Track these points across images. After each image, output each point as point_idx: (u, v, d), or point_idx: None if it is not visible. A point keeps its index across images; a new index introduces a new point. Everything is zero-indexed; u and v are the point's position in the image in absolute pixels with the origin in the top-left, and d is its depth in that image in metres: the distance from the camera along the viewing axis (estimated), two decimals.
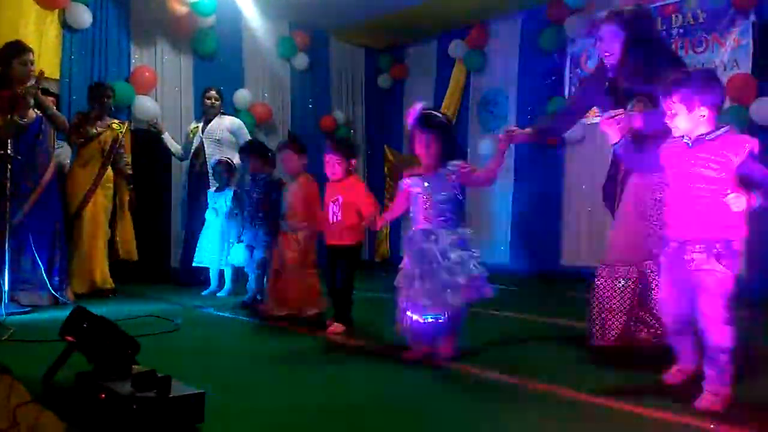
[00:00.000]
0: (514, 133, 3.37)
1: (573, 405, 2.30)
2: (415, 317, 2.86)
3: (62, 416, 1.84)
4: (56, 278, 4.47)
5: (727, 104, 5.70)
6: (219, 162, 5.41)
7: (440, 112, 3.11)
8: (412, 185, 3.03)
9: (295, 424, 2.08)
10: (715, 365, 2.21)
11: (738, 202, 2.14)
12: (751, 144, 2.21)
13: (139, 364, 2.12)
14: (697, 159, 2.27)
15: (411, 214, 3.07)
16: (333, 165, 3.69)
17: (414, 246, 2.93)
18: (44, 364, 2.34)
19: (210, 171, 5.64)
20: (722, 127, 2.28)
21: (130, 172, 5.24)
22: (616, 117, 2.71)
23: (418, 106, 2.97)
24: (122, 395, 1.85)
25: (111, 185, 5.11)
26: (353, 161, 3.77)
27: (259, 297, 4.51)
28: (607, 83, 3.28)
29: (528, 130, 3.53)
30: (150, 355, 2.33)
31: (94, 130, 5.01)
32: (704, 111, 2.25)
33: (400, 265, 3.01)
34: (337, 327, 3.65)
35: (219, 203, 5.30)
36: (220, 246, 5.25)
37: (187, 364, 2.84)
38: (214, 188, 5.44)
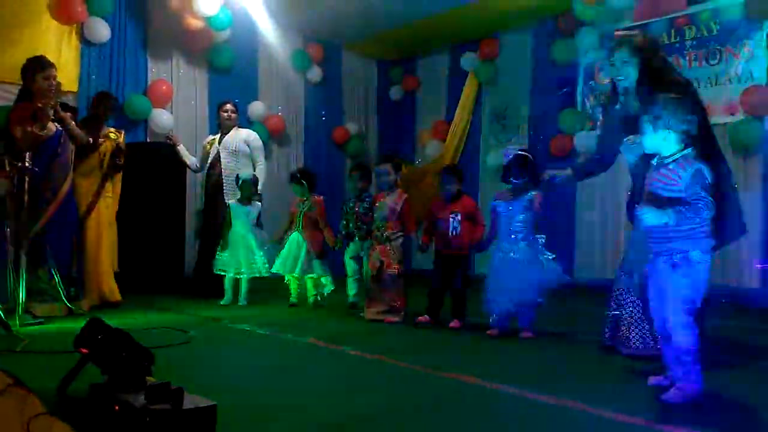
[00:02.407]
0: (554, 175, 3.69)
1: (591, 419, 2.29)
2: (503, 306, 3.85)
3: (76, 428, 1.86)
4: (71, 289, 4.51)
5: (740, 116, 5.70)
6: (253, 177, 5.50)
7: (528, 153, 4.04)
8: (499, 207, 4.00)
9: None
10: (681, 364, 2.46)
11: (646, 217, 2.43)
12: (698, 169, 2.43)
13: (153, 375, 2.14)
14: (656, 178, 2.55)
15: (497, 229, 4.06)
16: (451, 186, 4.44)
17: (503, 255, 3.91)
18: (58, 375, 2.36)
19: (235, 183, 5.63)
20: (684, 150, 2.51)
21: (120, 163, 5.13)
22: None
23: (512, 150, 4.03)
24: (136, 407, 1.87)
25: (111, 195, 5.12)
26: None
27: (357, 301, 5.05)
28: (620, 107, 3.38)
29: (568, 171, 3.72)
30: (164, 366, 2.35)
31: (99, 141, 5.00)
32: (667, 133, 2.50)
33: (491, 263, 3.97)
34: (456, 323, 4.25)
35: (252, 215, 5.38)
36: (246, 256, 5.28)
37: (201, 376, 2.86)
38: (236, 200, 5.48)
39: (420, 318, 4.39)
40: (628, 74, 3.30)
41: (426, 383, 2.84)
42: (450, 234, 4.34)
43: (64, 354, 2.83)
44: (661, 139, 2.53)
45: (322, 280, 5.22)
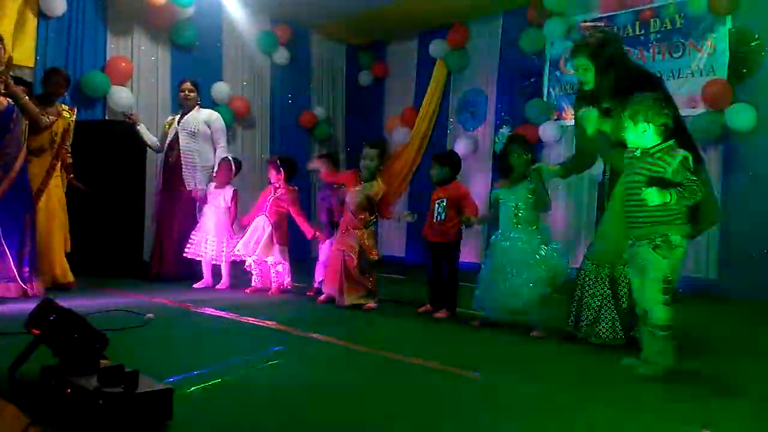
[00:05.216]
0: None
1: (569, 404, 2.31)
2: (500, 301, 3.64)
3: (26, 411, 1.80)
4: (26, 270, 4.35)
5: (701, 109, 5.82)
6: (227, 159, 5.39)
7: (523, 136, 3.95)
8: (501, 195, 3.78)
9: (265, 422, 2.06)
10: (655, 340, 2.66)
11: (650, 195, 2.56)
12: (684, 156, 2.61)
13: (108, 358, 2.08)
14: (641, 168, 2.70)
15: (500, 219, 3.81)
16: (438, 171, 4.36)
17: (505, 246, 3.67)
18: (9, 357, 2.28)
19: (213, 167, 5.53)
20: (667, 142, 2.68)
21: (70, 160, 5.02)
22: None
23: (506, 131, 3.80)
24: (88, 390, 1.81)
25: (60, 175, 4.93)
26: (459, 170, 4.44)
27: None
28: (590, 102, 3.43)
29: (558, 167, 3.76)
30: (120, 349, 2.29)
31: (48, 118, 4.82)
32: (647, 127, 2.67)
33: (484, 260, 3.84)
34: (443, 312, 4.16)
35: (218, 200, 5.29)
36: (219, 241, 5.22)
37: (158, 359, 2.79)
38: (213, 186, 5.40)
39: (421, 308, 4.34)
40: (590, 80, 3.36)
41: (396, 371, 2.83)
42: (434, 219, 4.28)
43: (15, 335, 2.73)
44: (641, 133, 2.69)
45: (278, 268, 5.13)
